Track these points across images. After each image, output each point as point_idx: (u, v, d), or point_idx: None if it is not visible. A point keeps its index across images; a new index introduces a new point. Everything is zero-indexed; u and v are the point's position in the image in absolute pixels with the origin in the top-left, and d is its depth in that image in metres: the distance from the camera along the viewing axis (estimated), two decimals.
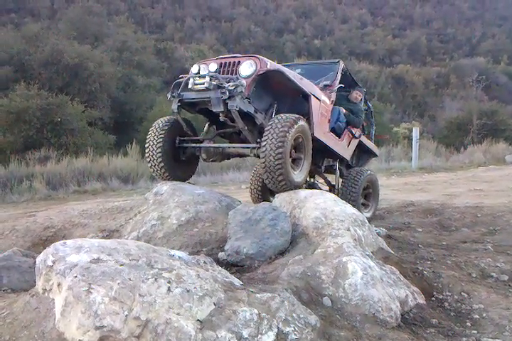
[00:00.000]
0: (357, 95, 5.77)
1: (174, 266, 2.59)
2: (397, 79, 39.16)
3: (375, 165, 14.48)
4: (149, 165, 4.52)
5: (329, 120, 5.04)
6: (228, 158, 4.99)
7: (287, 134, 3.85)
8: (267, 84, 4.29)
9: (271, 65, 4.13)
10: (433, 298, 3.42)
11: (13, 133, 14.26)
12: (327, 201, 3.88)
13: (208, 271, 2.74)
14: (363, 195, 5.45)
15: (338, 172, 5.57)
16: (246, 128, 4.20)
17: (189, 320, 2.28)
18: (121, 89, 21.49)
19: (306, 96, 4.52)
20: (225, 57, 4.31)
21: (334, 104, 5.20)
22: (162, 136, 4.41)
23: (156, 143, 4.41)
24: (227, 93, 3.87)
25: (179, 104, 4.21)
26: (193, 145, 4.58)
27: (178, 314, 2.28)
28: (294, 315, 2.58)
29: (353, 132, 5.55)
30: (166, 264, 2.58)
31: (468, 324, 3.09)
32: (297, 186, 4.19)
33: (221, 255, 3.60)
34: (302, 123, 4.08)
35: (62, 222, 4.66)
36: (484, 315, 3.18)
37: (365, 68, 38.77)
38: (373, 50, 47.40)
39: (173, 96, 4.21)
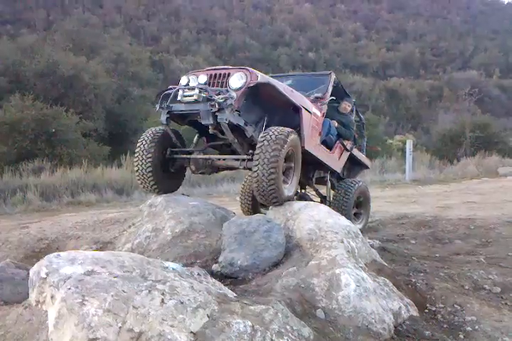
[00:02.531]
0: (346, 106, 5.72)
1: (168, 277, 2.59)
2: (390, 91, 39.54)
3: (369, 177, 14.56)
4: (138, 177, 4.42)
5: (320, 133, 4.98)
6: (217, 172, 4.90)
7: (281, 148, 3.80)
8: (258, 96, 4.24)
9: (261, 77, 4.07)
10: (426, 310, 3.42)
11: (7, 144, 14.23)
12: (321, 213, 3.90)
13: (201, 283, 2.75)
14: (354, 206, 5.42)
15: (329, 183, 5.52)
16: (236, 140, 4.17)
17: (182, 332, 2.28)
18: (116, 101, 21.55)
19: (296, 109, 4.47)
20: (214, 69, 4.25)
21: (325, 117, 5.15)
22: (152, 147, 4.33)
23: (145, 155, 4.32)
24: (217, 106, 3.80)
25: (168, 115, 4.14)
26: (183, 156, 4.52)
27: (171, 326, 2.28)
28: (288, 327, 2.59)
29: (345, 144, 5.51)
30: (160, 276, 2.58)
31: (461, 336, 3.10)
32: (287, 200, 4.15)
33: (215, 267, 3.60)
34: (294, 136, 4.05)
35: (56, 234, 4.64)
36: (477, 327, 3.19)
37: (359, 81, 39.17)
38: (367, 62, 47.92)
39: (162, 108, 4.13)
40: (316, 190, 5.80)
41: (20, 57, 19.74)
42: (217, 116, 3.85)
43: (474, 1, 71.75)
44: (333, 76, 5.38)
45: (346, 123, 5.61)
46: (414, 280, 3.80)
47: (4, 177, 12.24)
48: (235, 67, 4.26)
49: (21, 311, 2.53)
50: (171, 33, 48.58)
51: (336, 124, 5.44)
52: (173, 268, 2.82)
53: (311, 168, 5.25)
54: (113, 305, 2.24)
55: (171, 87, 4.30)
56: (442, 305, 3.45)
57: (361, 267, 3.42)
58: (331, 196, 5.46)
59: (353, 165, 6.11)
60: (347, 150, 5.56)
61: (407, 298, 3.41)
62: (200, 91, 3.89)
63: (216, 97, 3.82)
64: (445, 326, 3.24)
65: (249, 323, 2.45)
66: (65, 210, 9.73)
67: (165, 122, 4.17)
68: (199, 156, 4.50)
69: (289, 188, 4.19)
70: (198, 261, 3.69)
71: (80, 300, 2.22)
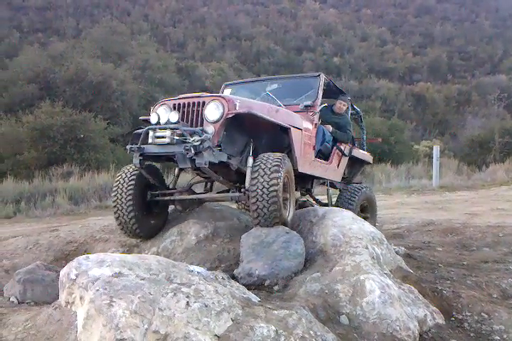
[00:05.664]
0: (341, 105, 5.38)
1: (193, 281, 2.63)
2: (417, 96, 39.01)
3: (395, 183, 14.41)
4: (118, 224, 4.01)
5: (314, 146, 4.66)
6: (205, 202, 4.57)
7: (279, 177, 3.50)
8: (239, 124, 3.83)
9: (240, 105, 3.68)
10: (452, 318, 3.37)
11: (38, 149, 14.62)
12: (345, 218, 3.90)
13: (225, 287, 2.77)
14: (359, 213, 5.15)
15: (329, 191, 5.32)
16: (221, 178, 3.91)
17: (207, 335, 2.31)
18: (143, 107, 21.88)
19: (285, 129, 4.06)
20: (188, 97, 3.86)
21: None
22: (131, 190, 3.93)
23: (124, 199, 3.92)
24: (192, 150, 3.41)
25: (141, 158, 3.75)
26: (166, 198, 4.16)
27: (196, 328, 2.31)
28: (311, 332, 2.59)
29: (342, 149, 5.23)
30: (185, 279, 2.63)
31: None
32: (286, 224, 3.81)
33: (237, 272, 3.61)
34: (287, 161, 3.74)
35: (84, 237, 4.75)
36: (505, 336, 3.13)
37: (384, 85, 38.78)
38: (393, 67, 47.38)
39: (133, 150, 3.72)
40: (317, 200, 5.54)
41: (50, 64, 20.31)
42: (194, 160, 3.49)
43: (503, 5, 70.47)
44: (323, 78, 5.00)
45: (343, 125, 5.31)
46: (440, 287, 3.74)
47: (34, 181, 12.58)
48: (210, 94, 3.87)
49: (51, 312, 2.60)
50: (196, 39, 49.07)
51: (331, 129, 5.16)
52: (197, 272, 2.86)
53: (308, 180, 5.00)
54: (140, 307, 2.29)
55: (143, 118, 4.08)
56: (469, 314, 3.40)
57: (386, 274, 3.40)
58: (333, 203, 5.27)
59: (354, 163, 5.85)
60: (345, 155, 5.32)
61: (432, 305, 3.36)
62: (172, 133, 3.53)
63: (191, 139, 3.46)
64: (472, 335, 3.18)
65: (273, 328, 2.46)
66: (93, 214, 9.93)
67: (139, 165, 3.80)
68: (184, 197, 4.18)
69: (289, 213, 3.87)
70: (222, 265, 3.72)
71: (108, 302, 2.27)
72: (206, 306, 2.43)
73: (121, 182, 3.98)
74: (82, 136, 15.04)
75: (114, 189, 4.00)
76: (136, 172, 4.01)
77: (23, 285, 3.54)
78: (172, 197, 4.16)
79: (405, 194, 12.29)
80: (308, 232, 3.86)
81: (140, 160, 3.76)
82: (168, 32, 49.19)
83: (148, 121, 3.85)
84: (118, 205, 3.94)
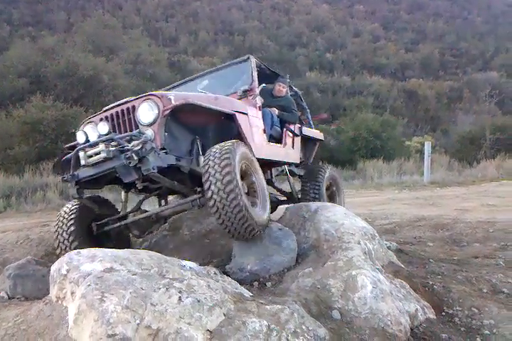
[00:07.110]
0: (280, 87, 5.18)
1: (185, 276, 2.63)
2: (409, 93, 39.12)
3: (386, 179, 14.48)
4: None
5: (264, 130, 4.39)
6: (165, 222, 4.18)
7: (232, 167, 3.06)
8: (180, 120, 3.51)
9: (176, 98, 3.29)
10: (443, 313, 3.39)
11: (28, 144, 14.51)
12: (337, 214, 3.91)
13: (218, 282, 2.77)
14: (327, 196, 5.07)
15: (290, 179, 5.17)
16: (175, 183, 3.51)
17: (199, 330, 2.31)
18: None
19: (229, 116, 3.73)
20: (114, 106, 3.47)
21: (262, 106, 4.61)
22: (73, 233, 3.53)
23: (67, 241, 3.52)
24: (135, 156, 3.00)
25: (78, 186, 3.36)
26: (116, 225, 3.72)
27: (188, 324, 2.31)
28: (304, 327, 2.59)
29: (292, 130, 5.09)
30: (178, 274, 2.62)
31: (479, 340, 3.06)
32: (265, 226, 3.46)
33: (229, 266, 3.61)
34: (242, 148, 3.36)
35: None
36: (495, 330, 3.15)
37: (377, 82, 38.86)
38: (385, 63, 47.46)
39: (66, 180, 3.32)
40: (280, 190, 5.37)
41: (41, 58, 20.13)
42: (140, 168, 3.07)
43: (495, 2, 70.71)
44: (253, 60, 4.73)
45: (287, 106, 5.12)
46: (431, 282, 3.76)
47: (25, 176, 12.50)
48: (139, 96, 3.44)
49: (42, 307, 2.59)
50: (188, 34, 48.78)
51: (277, 111, 4.97)
52: (190, 267, 2.85)
53: (267, 168, 4.83)
54: (131, 302, 2.28)
55: (68, 145, 3.68)
56: (460, 308, 3.42)
57: (378, 269, 3.41)
58: (297, 191, 5.15)
59: (306, 142, 5.71)
60: (297, 135, 5.19)
61: (423, 300, 3.38)
62: (106, 146, 3.12)
63: (129, 145, 3.06)
64: (462, 329, 3.20)
65: (265, 322, 2.46)
66: None
67: (77, 196, 3.43)
68: (138, 217, 3.75)
69: (261, 210, 3.49)
70: (214, 261, 3.72)
71: (100, 297, 2.26)
72: (198, 301, 2.43)
73: (60, 225, 3.58)
74: (73, 130, 14.88)
75: (55, 235, 3.60)
76: (74, 209, 3.63)
77: (14, 281, 3.52)
78: (124, 221, 3.74)
79: (397, 190, 12.36)
80: (300, 228, 3.86)
81: (77, 189, 3.39)
82: (161, 26, 48.88)
83: (75, 147, 3.43)
84: (61, 247, 3.55)
